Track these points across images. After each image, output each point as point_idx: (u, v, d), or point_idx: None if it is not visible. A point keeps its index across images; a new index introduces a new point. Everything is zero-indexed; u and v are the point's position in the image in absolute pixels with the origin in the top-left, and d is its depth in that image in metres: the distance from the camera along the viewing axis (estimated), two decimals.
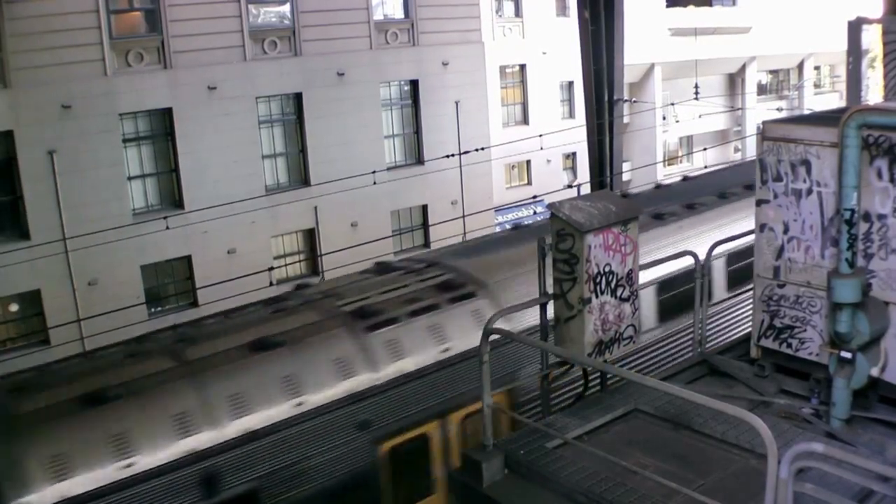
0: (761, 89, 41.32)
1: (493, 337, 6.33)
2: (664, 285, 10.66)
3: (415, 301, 9.34)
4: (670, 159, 38.07)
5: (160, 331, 9.60)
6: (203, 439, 7.37)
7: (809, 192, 6.42)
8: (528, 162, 31.43)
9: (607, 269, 6.84)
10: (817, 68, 43.43)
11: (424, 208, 24.63)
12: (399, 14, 24.15)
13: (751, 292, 7.10)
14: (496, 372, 7.14)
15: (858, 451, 5.65)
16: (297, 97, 22.17)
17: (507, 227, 24.48)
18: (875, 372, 6.26)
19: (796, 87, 42.56)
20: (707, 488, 5.45)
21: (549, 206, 6.93)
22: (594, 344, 6.88)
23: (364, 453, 8.16)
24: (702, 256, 7.64)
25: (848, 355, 6.16)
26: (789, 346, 6.76)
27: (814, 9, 37.76)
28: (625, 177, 28.41)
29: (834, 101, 39.57)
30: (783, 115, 28.61)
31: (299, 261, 22.74)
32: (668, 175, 29.95)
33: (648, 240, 9.94)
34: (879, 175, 5.98)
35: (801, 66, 42.46)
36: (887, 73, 10.29)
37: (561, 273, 6.82)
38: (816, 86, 43.34)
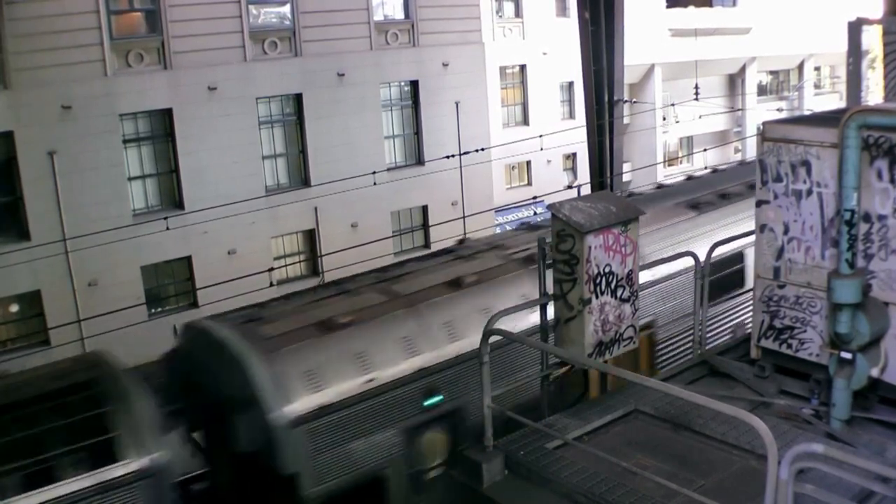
0: (761, 90, 41.30)
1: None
2: None
3: None
4: (670, 160, 38.06)
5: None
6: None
7: (809, 192, 6.42)
8: (529, 162, 31.41)
9: (607, 269, 6.84)
10: (817, 69, 43.40)
11: (425, 209, 24.61)
12: (399, 15, 24.13)
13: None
14: None
15: (858, 452, 5.65)
16: (298, 98, 22.15)
17: (508, 227, 24.36)
18: (875, 373, 6.26)
19: (796, 88, 42.53)
20: (707, 489, 5.45)
21: (550, 206, 6.93)
22: (594, 345, 6.88)
23: None
24: None
25: (848, 356, 6.16)
26: (789, 346, 6.76)
27: (814, 9, 37.74)
28: (625, 177, 28.39)
29: (834, 101, 39.51)
30: (783, 115, 28.62)
31: (299, 261, 22.73)
32: (669, 175, 29.91)
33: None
34: (879, 176, 5.98)
35: (801, 67, 42.44)
36: (887, 73, 10.29)
37: (561, 274, 6.82)
38: (816, 86, 43.30)
